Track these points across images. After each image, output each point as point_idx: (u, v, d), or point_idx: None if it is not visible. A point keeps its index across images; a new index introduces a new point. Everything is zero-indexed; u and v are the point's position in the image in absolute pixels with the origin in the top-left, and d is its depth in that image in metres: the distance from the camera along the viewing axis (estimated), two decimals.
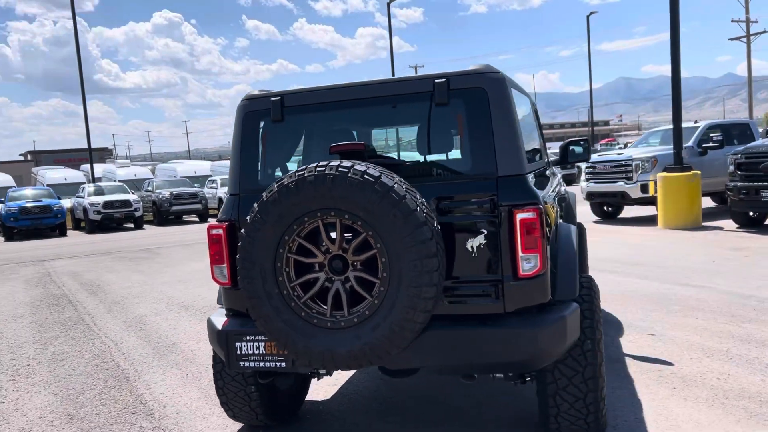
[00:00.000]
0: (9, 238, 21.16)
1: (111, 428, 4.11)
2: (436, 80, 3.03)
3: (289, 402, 4.01)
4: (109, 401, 4.62)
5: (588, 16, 44.42)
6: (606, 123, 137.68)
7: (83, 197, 22.89)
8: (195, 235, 17.57)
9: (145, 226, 22.98)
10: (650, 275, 7.70)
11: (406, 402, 4.24)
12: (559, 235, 3.33)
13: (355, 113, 3.33)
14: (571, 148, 5.15)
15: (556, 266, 3.20)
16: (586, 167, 14.33)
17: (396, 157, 3.39)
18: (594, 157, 14.88)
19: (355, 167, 2.68)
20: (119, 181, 27.78)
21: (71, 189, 26.43)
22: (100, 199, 22.14)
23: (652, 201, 12.77)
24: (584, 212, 15.25)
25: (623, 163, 13.37)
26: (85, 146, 29.56)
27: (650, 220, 12.96)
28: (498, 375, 3.19)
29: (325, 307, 2.81)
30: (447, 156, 3.25)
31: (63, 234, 21.51)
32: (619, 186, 13.34)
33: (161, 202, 23.26)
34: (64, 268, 12.45)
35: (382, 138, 3.51)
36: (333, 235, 2.78)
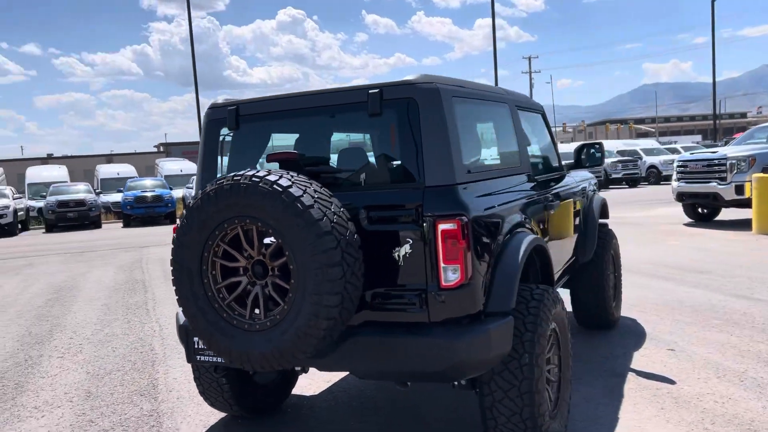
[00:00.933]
0: (126, 224, 23.12)
1: (117, 407, 4.50)
2: (370, 91, 3.08)
3: (271, 396, 4.19)
4: (127, 382, 5.04)
5: (713, 2, 41.42)
6: (743, 115, 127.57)
7: (192, 187, 24.46)
8: None
9: None
10: (709, 284, 7.22)
11: (387, 404, 4.31)
12: (506, 247, 3.27)
13: (301, 122, 3.44)
14: (589, 151, 4.98)
15: (494, 277, 3.16)
16: (677, 166, 13.50)
17: (333, 166, 3.46)
18: (685, 155, 13.99)
19: (266, 177, 2.80)
20: (165, 176, 29.08)
21: (185, 180, 28.27)
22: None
23: (748, 204, 11.85)
24: (674, 213, 14.42)
25: (716, 162, 12.47)
26: (191, 140, 31.04)
27: (746, 225, 12.03)
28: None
29: (245, 310, 2.96)
30: (380, 165, 3.29)
31: (173, 221, 23.10)
32: (711, 187, 12.46)
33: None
34: (157, 254, 13.42)
35: (325, 146, 3.59)
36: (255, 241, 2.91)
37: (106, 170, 31.75)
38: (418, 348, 2.98)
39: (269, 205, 2.75)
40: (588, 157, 5.03)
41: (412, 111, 3.03)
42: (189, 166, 31.99)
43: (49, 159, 54.26)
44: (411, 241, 2.96)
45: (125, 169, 31.64)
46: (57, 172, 30.00)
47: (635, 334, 5.49)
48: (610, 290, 5.43)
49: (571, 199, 4.87)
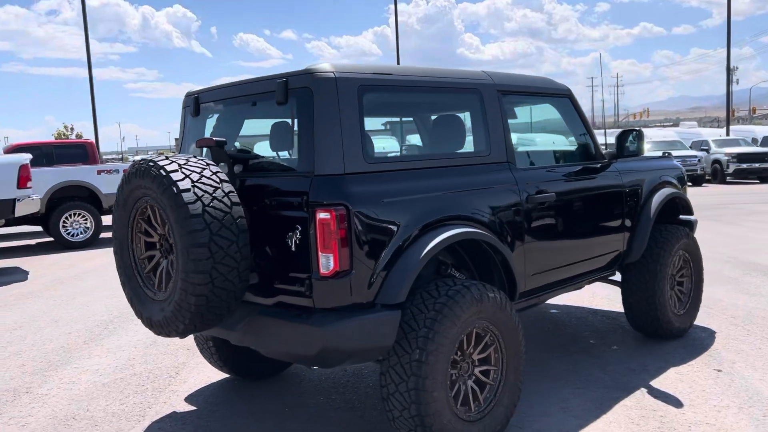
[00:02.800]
0: None
1: (150, 372, 5.15)
2: (278, 80, 3.17)
3: (265, 363, 4.49)
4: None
5: None
6: None
7: None
8: None
9: None
10: None
11: (362, 392, 4.39)
12: (414, 240, 3.16)
13: (237, 109, 3.62)
14: (627, 139, 4.46)
15: (390, 270, 3.09)
16: None
17: (250, 153, 3.57)
18: None
19: (158, 162, 3.06)
20: None
21: None
22: None
23: None
24: None
25: None
26: None
27: None
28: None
29: (155, 281, 3.28)
30: (282, 153, 3.35)
31: None
32: None
33: None
34: None
35: (255, 133, 3.69)
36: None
37: None
38: (294, 332, 3.07)
39: (155, 187, 3.02)
40: (625, 146, 4.48)
41: (308, 100, 3.07)
42: None
43: None
44: (299, 228, 3.03)
45: None
46: None
47: (692, 347, 4.83)
48: (665, 295, 4.82)
49: (602, 192, 4.41)
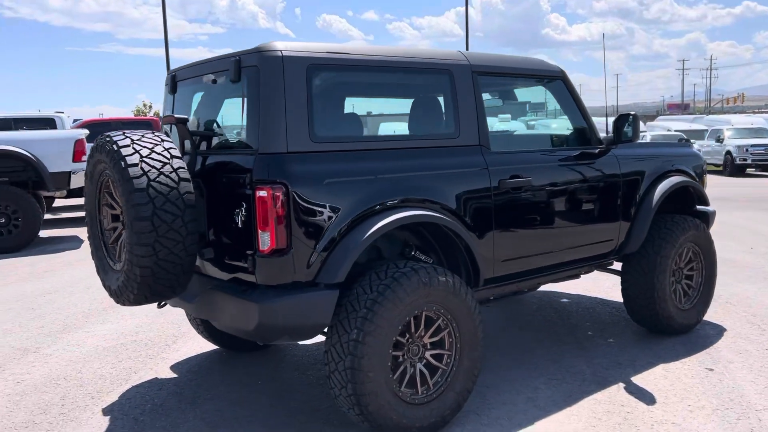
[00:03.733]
0: None
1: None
2: (232, 58, 3.22)
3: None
4: None
5: None
6: None
7: None
8: None
9: None
10: None
11: None
12: (361, 221, 3.16)
13: (203, 87, 3.68)
14: (622, 125, 4.27)
15: (333, 250, 3.10)
16: None
17: (212, 131, 3.62)
18: None
19: (113, 137, 3.18)
20: None
21: None
22: None
23: None
24: None
25: None
26: None
27: None
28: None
29: (116, 252, 3.42)
30: (236, 131, 3.39)
31: None
32: None
33: None
34: None
35: (216, 111, 3.72)
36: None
37: None
38: (236, 306, 3.14)
39: (108, 161, 3.14)
40: (622, 131, 4.28)
41: (256, 78, 3.10)
42: None
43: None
44: (245, 206, 3.09)
45: None
46: None
47: (693, 344, 4.60)
48: (665, 289, 4.59)
49: (592, 178, 4.24)
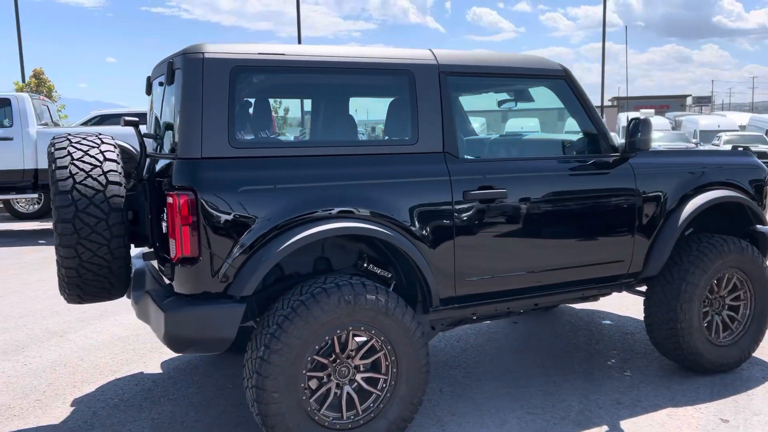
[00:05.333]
0: None
1: None
2: (169, 60, 3.17)
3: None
4: None
5: None
6: None
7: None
8: None
9: None
10: None
11: None
12: (274, 234, 2.98)
13: (160, 90, 3.65)
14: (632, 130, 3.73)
15: (246, 262, 2.96)
16: None
17: (157, 134, 3.55)
18: None
19: (57, 138, 3.24)
20: (700, 131, 25.92)
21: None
22: None
23: None
24: None
25: None
26: (663, 93, 28.68)
27: None
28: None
29: None
30: (169, 136, 3.31)
31: None
32: None
33: None
34: None
35: (166, 113, 3.63)
36: None
37: None
38: (154, 314, 3.10)
39: (50, 162, 3.22)
40: (632, 139, 3.72)
41: (179, 81, 3.03)
42: (659, 122, 28.97)
43: None
44: (166, 211, 3.04)
45: None
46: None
47: (724, 387, 3.95)
48: (691, 320, 3.97)
49: (593, 191, 3.74)
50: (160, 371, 4.36)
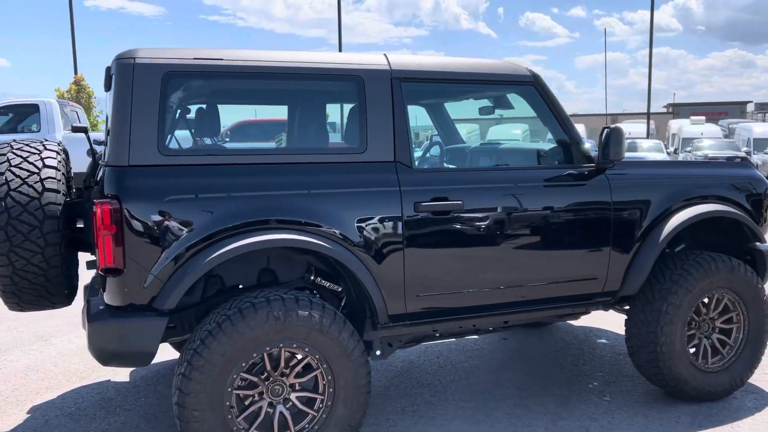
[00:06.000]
0: None
1: None
2: (107, 66, 3.11)
3: None
4: None
5: None
6: None
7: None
8: None
9: None
10: None
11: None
12: (203, 245, 2.88)
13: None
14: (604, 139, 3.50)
15: (172, 274, 2.86)
16: None
17: (102, 141, 3.48)
18: None
19: (2, 145, 3.22)
20: (755, 139, 24.73)
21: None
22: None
23: None
24: None
25: None
26: (724, 100, 27.41)
27: None
28: None
29: None
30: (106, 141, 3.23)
31: None
32: None
33: None
34: None
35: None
36: None
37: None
38: (84, 324, 3.03)
39: None
40: (604, 150, 3.48)
41: (113, 86, 2.97)
42: (710, 130, 27.72)
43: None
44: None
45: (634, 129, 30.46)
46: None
47: (708, 417, 3.66)
48: (673, 343, 3.70)
49: (558, 203, 3.51)
50: (127, 380, 4.32)
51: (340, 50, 29.70)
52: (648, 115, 29.39)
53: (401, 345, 3.56)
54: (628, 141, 24.62)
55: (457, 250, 3.34)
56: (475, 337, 5.16)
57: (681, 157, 24.21)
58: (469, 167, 3.64)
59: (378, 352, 3.40)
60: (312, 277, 3.26)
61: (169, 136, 2.96)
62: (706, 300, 3.85)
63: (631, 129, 30.60)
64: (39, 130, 10.43)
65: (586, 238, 3.58)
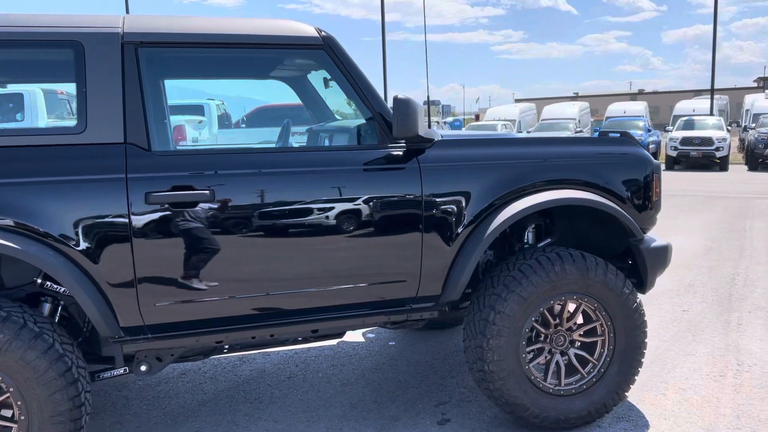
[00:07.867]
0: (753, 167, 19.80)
1: None
2: None
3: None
4: None
5: None
6: None
7: (671, 130, 21.80)
8: None
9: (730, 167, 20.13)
10: None
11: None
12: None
13: None
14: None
15: None
16: None
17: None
18: None
19: None
20: None
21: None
22: (680, 134, 20.62)
23: None
24: None
25: None
26: None
27: None
28: None
29: None
30: None
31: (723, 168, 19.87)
32: None
33: (755, 143, 19.77)
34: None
35: None
36: None
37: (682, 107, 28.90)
38: None
39: None
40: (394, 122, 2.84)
41: None
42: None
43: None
44: None
45: (637, 108, 29.88)
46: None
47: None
48: (508, 362, 3.03)
49: (337, 192, 2.89)
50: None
51: (383, 33, 28.85)
52: (712, 90, 27.18)
53: (173, 360, 3.06)
54: (684, 118, 22.93)
55: (208, 250, 2.79)
56: (362, 340, 4.61)
57: (749, 133, 22.27)
58: (228, 148, 3.07)
59: (143, 368, 2.94)
60: (39, 282, 2.82)
61: None
62: (552, 308, 3.16)
63: (696, 105, 28.57)
64: (23, 119, 10.46)
65: (383, 233, 2.96)
